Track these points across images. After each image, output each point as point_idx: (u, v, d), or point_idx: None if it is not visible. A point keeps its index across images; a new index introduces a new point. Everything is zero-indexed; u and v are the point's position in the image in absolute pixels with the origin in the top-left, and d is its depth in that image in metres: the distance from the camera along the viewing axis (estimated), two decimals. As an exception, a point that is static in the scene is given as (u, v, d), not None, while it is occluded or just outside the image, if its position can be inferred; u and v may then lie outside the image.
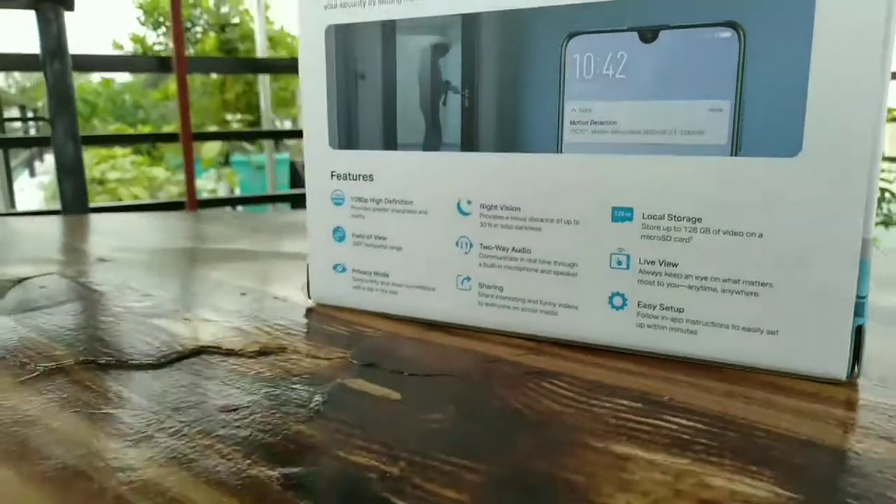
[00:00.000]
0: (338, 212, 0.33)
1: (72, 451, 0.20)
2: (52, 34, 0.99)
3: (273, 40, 7.45)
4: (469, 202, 0.30)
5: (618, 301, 0.28)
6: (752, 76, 0.24)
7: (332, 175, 0.33)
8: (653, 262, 0.27)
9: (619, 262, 0.27)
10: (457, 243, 0.31)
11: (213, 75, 7.52)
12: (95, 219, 0.76)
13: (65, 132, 1.00)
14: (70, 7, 1.04)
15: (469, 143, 0.30)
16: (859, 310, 0.24)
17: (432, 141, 0.31)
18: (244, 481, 0.18)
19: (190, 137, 1.89)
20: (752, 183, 0.25)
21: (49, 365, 0.27)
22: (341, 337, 0.30)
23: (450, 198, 0.30)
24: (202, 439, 0.20)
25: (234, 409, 0.23)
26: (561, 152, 0.28)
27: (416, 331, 0.31)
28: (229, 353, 0.28)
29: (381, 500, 0.17)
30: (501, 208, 0.29)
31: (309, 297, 0.35)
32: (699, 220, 0.26)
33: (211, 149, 6.09)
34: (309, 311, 0.34)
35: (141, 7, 7.34)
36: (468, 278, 0.31)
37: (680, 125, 0.26)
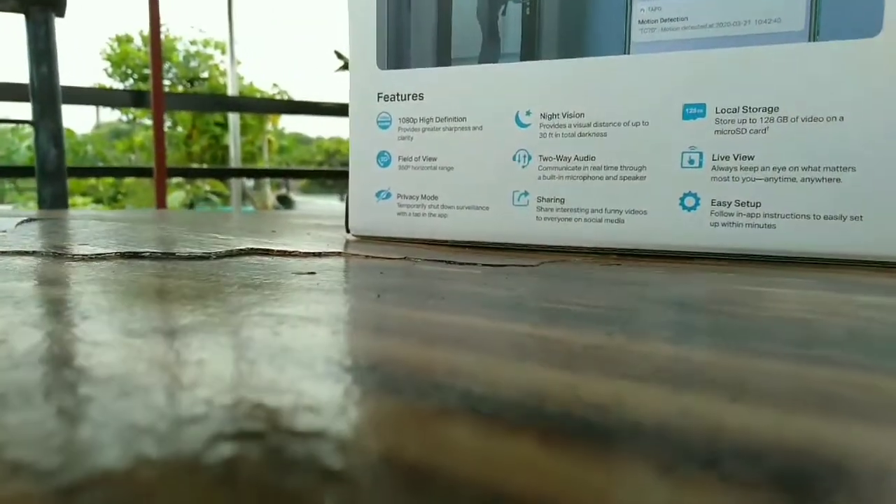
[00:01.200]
0: (383, 135, 0.32)
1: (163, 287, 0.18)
2: (41, 36, 0.96)
3: (243, 95, 7.50)
4: (528, 113, 0.29)
5: (690, 201, 0.27)
6: (831, -41, 0.24)
7: (378, 97, 0.32)
8: (727, 158, 0.26)
9: (691, 161, 0.27)
10: (514, 157, 0.30)
11: (180, 128, 7.50)
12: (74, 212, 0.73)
13: (48, 136, 0.97)
14: (61, 13, 1.03)
15: (530, 52, 0.29)
16: (946, 189, 0.24)
17: (489, 53, 0.30)
18: (350, 298, 0.16)
19: (164, 172, 1.86)
20: (832, 66, 0.24)
21: (91, 253, 0.24)
22: (394, 250, 0.29)
23: (507, 110, 0.30)
24: (291, 289, 0.19)
25: (312, 273, 0.21)
26: (629, 53, 0.28)
27: (468, 251, 0.30)
28: (282, 253, 0.26)
29: (518, 306, 0.16)
30: (563, 116, 0.29)
31: (347, 231, 0.34)
32: (776, 109, 0.25)
33: (175, 199, 6.01)
34: (349, 243, 0.32)
35: (109, 59, 7.33)
36: (525, 193, 0.30)
37: (755, 15, 0.26)
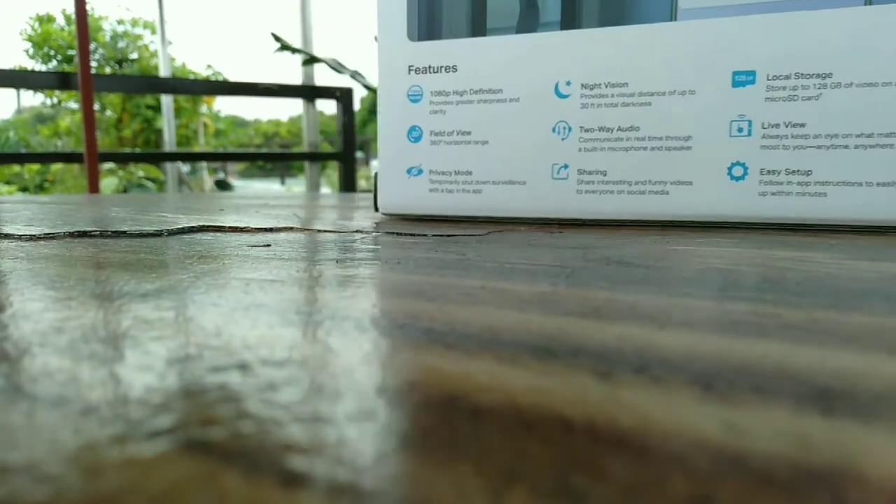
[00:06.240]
0: (414, 109, 0.31)
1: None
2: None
3: (175, 77, 7.22)
4: (568, 83, 0.29)
5: (738, 171, 0.27)
6: (884, -75, 0.24)
7: (409, 70, 0.31)
8: (777, 126, 0.26)
9: (740, 129, 0.27)
10: (553, 129, 0.29)
11: (109, 112, 7.18)
12: None
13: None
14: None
15: (570, 20, 0.29)
16: None
17: (528, 23, 0.29)
18: (309, 264, 0.16)
19: (96, 157, 1.78)
20: (889, 30, 0.25)
21: (37, 232, 0.23)
22: (409, 225, 0.28)
23: (546, 81, 0.29)
24: (250, 258, 0.18)
25: (268, 245, 0.20)
26: (675, 20, 0.27)
27: (499, 226, 0.29)
28: (234, 229, 0.25)
29: (469, 267, 0.15)
30: (606, 86, 0.28)
31: (377, 210, 0.32)
32: (829, 75, 0.25)
33: (107, 185, 5.77)
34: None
35: (30, 40, 6.93)
36: (565, 166, 0.29)
37: (806, -19, 0.25)
